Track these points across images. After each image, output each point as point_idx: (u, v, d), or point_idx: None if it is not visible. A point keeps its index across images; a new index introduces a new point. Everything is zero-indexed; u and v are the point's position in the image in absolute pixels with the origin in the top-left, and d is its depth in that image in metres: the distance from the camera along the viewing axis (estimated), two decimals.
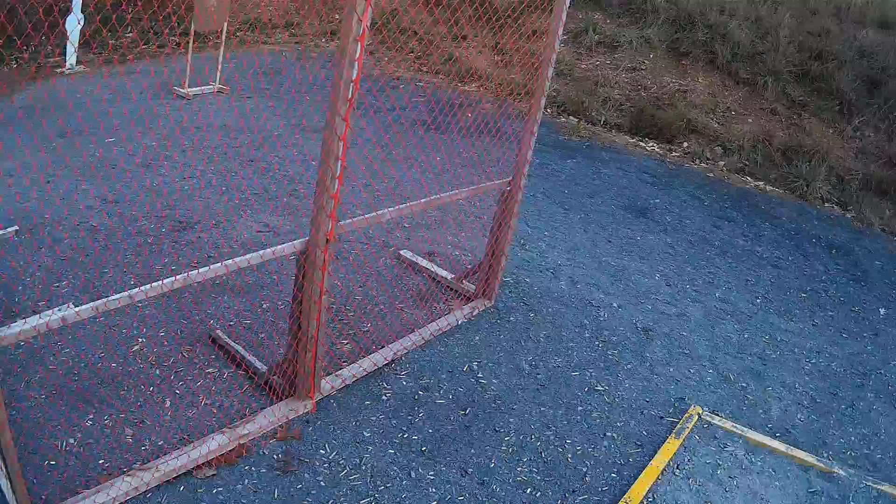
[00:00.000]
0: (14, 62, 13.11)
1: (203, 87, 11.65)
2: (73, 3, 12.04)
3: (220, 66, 11.88)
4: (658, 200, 10.16)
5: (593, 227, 9.09)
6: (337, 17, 17.23)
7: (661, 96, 13.31)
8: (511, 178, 6.44)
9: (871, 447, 6.13)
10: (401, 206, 5.44)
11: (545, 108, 13.36)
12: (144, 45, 13.73)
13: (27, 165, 8.14)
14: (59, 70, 12.75)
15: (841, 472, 5.70)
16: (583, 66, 14.30)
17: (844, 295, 8.55)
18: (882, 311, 8.37)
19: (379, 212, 5.22)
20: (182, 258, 6.84)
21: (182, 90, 11.41)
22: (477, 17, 15.49)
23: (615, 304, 7.49)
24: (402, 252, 7.53)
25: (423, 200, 5.65)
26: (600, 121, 13.04)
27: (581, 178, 10.51)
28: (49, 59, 13.15)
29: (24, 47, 12.91)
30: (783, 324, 7.72)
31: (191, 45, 11.56)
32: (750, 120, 12.80)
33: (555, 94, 13.48)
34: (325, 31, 16.82)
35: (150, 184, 8.11)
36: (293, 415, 5.02)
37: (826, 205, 11.13)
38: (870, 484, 5.63)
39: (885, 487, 5.64)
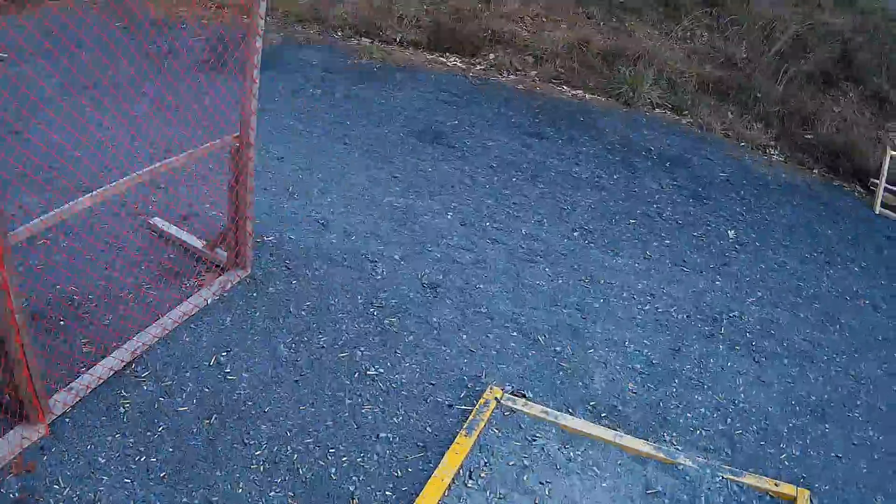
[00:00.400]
0: None
1: None
2: None
3: None
4: (457, 122, 8.49)
5: (376, 163, 7.47)
6: None
7: (462, 9, 11.60)
8: (237, 132, 5.22)
9: (728, 420, 4.69)
10: (100, 190, 4.41)
11: (334, 31, 11.82)
12: None
13: None
14: None
15: (688, 462, 4.23)
16: None
17: (683, 216, 7.05)
18: (731, 233, 6.90)
19: (70, 204, 4.25)
20: None
21: None
22: None
23: (396, 256, 6.02)
24: (152, 220, 6.21)
25: (126, 179, 4.55)
26: (395, 40, 11.27)
27: (368, 106, 8.79)
28: None
29: None
30: (608, 260, 6.24)
31: None
32: (564, 26, 11.20)
33: (345, 16, 11.66)
34: None
35: None
36: (27, 443, 4.28)
37: (657, 110, 9.59)
38: (727, 477, 4.10)
39: (748, 479, 4.13)
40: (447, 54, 10.72)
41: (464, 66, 10.37)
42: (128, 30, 10.08)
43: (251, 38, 4.93)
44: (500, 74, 10.17)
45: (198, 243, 5.92)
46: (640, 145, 8.36)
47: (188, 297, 5.38)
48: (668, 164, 7.95)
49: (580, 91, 9.92)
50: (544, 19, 11.26)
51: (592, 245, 6.34)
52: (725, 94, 9.94)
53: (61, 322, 5.05)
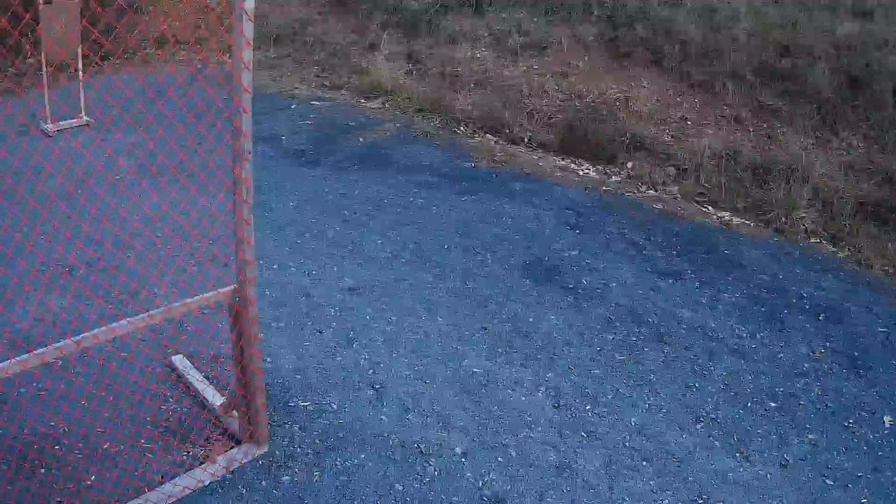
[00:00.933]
0: None
1: (69, 122, 10.13)
2: None
3: (82, 97, 10.24)
4: (577, 252, 7.37)
5: (466, 305, 6.41)
6: None
7: (599, 106, 10.60)
8: (234, 284, 4.29)
9: None
10: (91, 333, 3.81)
11: (457, 125, 10.97)
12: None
13: None
14: None
15: None
16: (506, 74, 11.64)
17: (834, 397, 5.72)
18: (887, 419, 5.60)
19: (53, 347, 3.67)
20: None
21: (46, 126, 9.98)
22: (389, 21, 13.29)
23: (458, 451, 4.89)
24: (173, 358, 5.36)
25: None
26: (524, 139, 10.32)
27: (475, 225, 7.78)
28: None
29: None
30: (733, 468, 5.01)
31: (45, 74, 9.95)
32: (709, 131, 10.07)
33: (470, 107, 10.83)
34: (227, 46, 14.29)
35: None
36: None
37: (812, 240, 8.30)
38: None
39: None
40: (579, 161, 9.70)
41: (597, 177, 9.31)
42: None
43: (236, 141, 3.97)
44: (638, 189, 9.06)
45: (217, 398, 5.01)
46: (792, 290, 7.06)
47: (186, 471, 4.44)
48: (821, 318, 6.66)
49: (726, 213, 8.70)
50: (688, 122, 10.17)
51: (717, 443, 5.10)
52: (885, 220, 8.61)
53: (40, 469, 4.36)
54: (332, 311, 6.17)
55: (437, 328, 6.03)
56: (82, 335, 3.77)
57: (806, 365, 5.96)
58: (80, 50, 10.20)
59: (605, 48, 11.69)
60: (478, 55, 12.11)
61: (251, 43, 3.66)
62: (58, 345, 3.69)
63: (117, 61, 13.70)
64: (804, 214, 8.43)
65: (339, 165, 9.03)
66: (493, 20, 12.83)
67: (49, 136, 9.79)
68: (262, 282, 6.29)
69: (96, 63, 11.89)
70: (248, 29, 3.63)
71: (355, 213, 7.79)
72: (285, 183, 8.49)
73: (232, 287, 4.22)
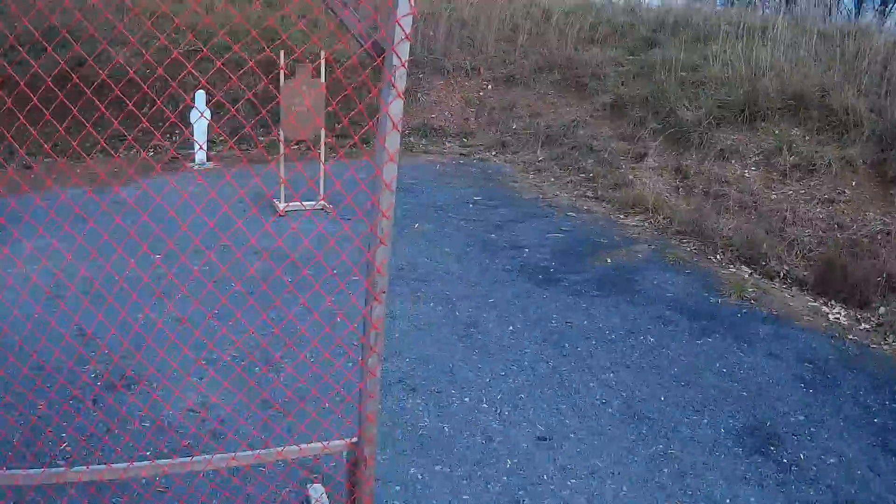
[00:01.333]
0: (152, 150, 13.81)
1: (302, 203, 10.99)
2: (196, 97, 12.64)
3: (322, 181, 11.13)
4: (803, 417, 7.06)
5: (664, 476, 6.13)
6: (514, 126, 15.47)
7: (860, 239, 10.28)
8: (351, 439, 4.19)
9: None
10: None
11: (714, 253, 10.92)
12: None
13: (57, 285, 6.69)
14: (190, 164, 13.16)
15: None
16: (772, 197, 11.50)
17: None
18: None
19: None
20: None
21: (280, 205, 10.88)
22: (661, 130, 13.41)
23: None
24: (311, 490, 5.07)
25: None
26: (779, 273, 10.16)
27: (702, 374, 7.63)
28: (185, 151, 13.61)
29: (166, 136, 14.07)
30: None
31: (282, 152, 11.08)
32: None
33: (731, 233, 10.77)
34: (497, 142, 15.07)
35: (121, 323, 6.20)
36: None
37: None
38: None
39: None
40: (832, 303, 9.40)
41: (846, 323, 8.94)
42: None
43: (369, 274, 3.72)
44: (884, 341, 8.70)
45: None
46: None
47: None
48: None
49: None
50: None
51: None
52: None
53: None
54: (510, 462, 5.99)
55: (618, 500, 5.77)
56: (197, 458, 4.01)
57: None
58: (322, 133, 10.83)
59: (875, 174, 11.31)
60: (746, 174, 12.02)
61: (394, 158, 3.39)
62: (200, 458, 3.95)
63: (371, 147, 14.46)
64: None
65: (576, 288, 9.13)
66: (765, 135, 12.68)
67: (280, 216, 10.62)
68: (445, 414, 6.51)
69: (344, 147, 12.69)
70: (393, 140, 3.37)
71: (577, 348, 7.82)
72: (513, 302, 8.70)
73: (346, 442, 4.15)
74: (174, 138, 14.24)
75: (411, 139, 16.05)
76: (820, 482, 6.21)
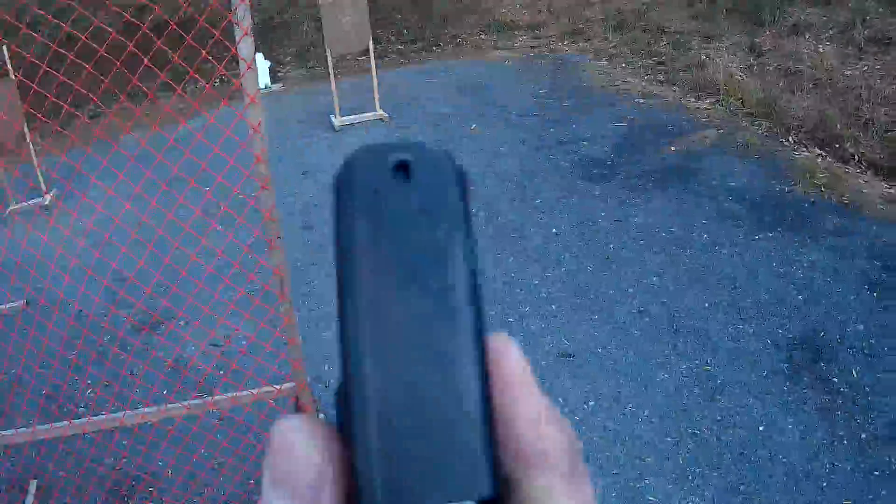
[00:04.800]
0: (218, 80, 13.44)
1: (358, 116, 10.85)
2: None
3: (376, 91, 10.94)
4: (861, 327, 6.22)
5: (693, 398, 5.63)
6: (586, 13, 14.84)
7: None
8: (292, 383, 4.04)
9: None
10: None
11: (786, 135, 10.18)
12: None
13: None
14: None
15: None
16: (847, 73, 10.65)
17: None
18: None
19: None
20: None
21: (335, 120, 10.70)
22: (735, 6, 12.65)
23: None
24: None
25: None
26: (854, 156, 9.41)
27: (756, 277, 6.94)
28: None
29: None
30: None
31: (331, 69, 10.63)
32: None
33: (802, 114, 10.03)
34: (569, 31, 14.46)
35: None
36: None
37: None
38: None
39: None
40: None
41: None
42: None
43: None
44: None
45: None
46: None
47: None
48: None
49: None
50: None
51: None
52: None
53: None
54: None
55: (634, 431, 5.32)
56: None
57: None
58: (370, 43, 10.51)
59: None
60: (820, 49, 11.19)
61: (256, 100, 3.26)
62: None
63: (447, 47, 14.06)
64: None
65: (631, 182, 8.57)
66: (840, 7, 11.79)
67: (336, 131, 10.39)
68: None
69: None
70: (251, 81, 3.24)
71: (622, 250, 7.30)
72: (561, 201, 8.20)
73: (291, 385, 4.06)
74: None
75: (482, 37, 15.51)
76: (873, 411, 5.39)
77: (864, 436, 5.19)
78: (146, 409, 4.11)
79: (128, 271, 6.35)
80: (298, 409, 4.10)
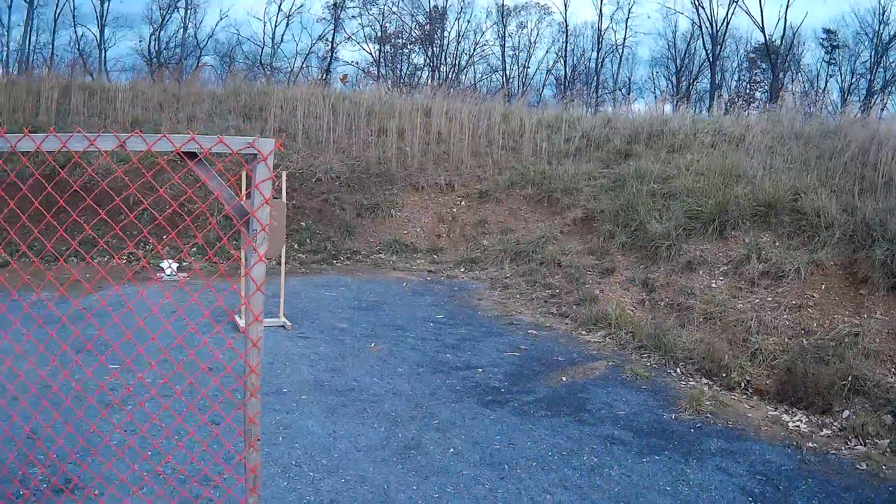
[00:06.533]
0: (125, 258, 13.91)
1: (264, 320, 10.14)
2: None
3: (282, 297, 11.24)
4: None
5: None
6: (485, 242, 15.49)
7: (826, 343, 10.07)
8: None
9: None
10: None
11: (674, 366, 10.67)
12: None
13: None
14: (160, 275, 13.66)
15: None
16: (738, 306, 11.33)
17: None
18: None
19: None
20: None
21: (240, 321, 10.77)
22: (631, 243, 13.36)
23: None
24: None
25: None
26: (740, 384, 9.93)
27: (640, 494, 7.25)
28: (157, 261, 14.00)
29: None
30: None
31: (243, 270, 10.49)
32: None
33: (691, 346, 10.58)
34: (467, 259, 15.08)
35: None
36: None
37: None
38: None
39: None
40: (793, 410, 9.13)
41: (807, 430, 8.63)
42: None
43: None
44: (846, 444, 8.35)
45: None
46: None
47: None
48: None
49: None
50: None
51: None
52: None
53: None
54: None
55: None
56: None
57: None
58: (283, 250, 11.04)
59: (845, 275, 11.16)
60: (713, 284, 11.89)
61: (260, 318, 3.50)
62: None
63: (347, 261, 14.48)
64: None
65: (524, 409, 8.88)
66: (735, 244, 12.60)
67: (240, 332, 10.33)
68: None
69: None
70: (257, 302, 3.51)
71: (517, 469, 7.52)
72: (458, 424, 8.43)
73: None
74: (148, 247, 14.33)
75: (381, 255, 16.09)
76: None
77: None
78: None
79: (39, 430, 6.44)
80: None
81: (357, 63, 53.28)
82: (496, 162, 18.83)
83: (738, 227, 13.07)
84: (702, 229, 13.36)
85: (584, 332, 11.69)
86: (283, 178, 11.22)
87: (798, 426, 8.79)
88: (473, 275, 14.93)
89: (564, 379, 9.92)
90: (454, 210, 17.63)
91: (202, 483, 6.67)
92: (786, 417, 9.02)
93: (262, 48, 49.66)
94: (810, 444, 8.36)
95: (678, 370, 10.21)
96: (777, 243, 12.36)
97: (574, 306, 12.69)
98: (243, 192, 10.39)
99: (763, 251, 12.11)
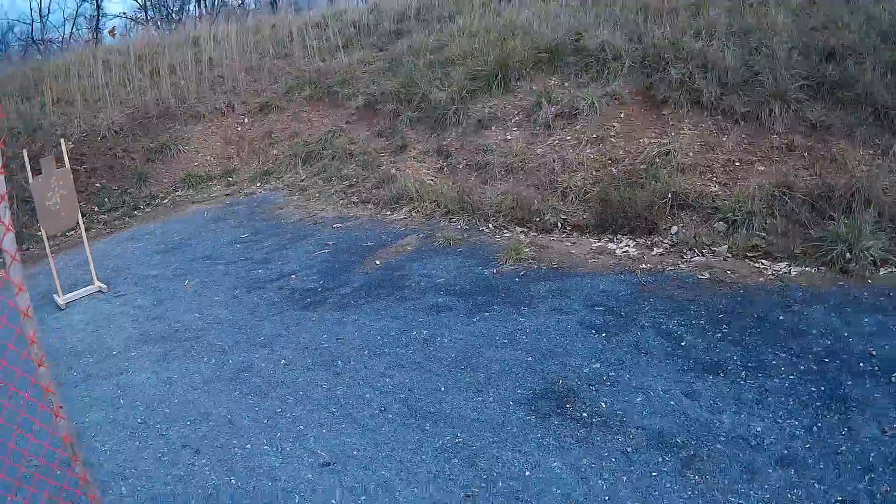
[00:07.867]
0: None
1: (79, 292, 10.25)
2: None
3: (91, 264, 10.47)
4: (598, 364, 6.43)
5: (454, 468, 5.48)
6: (275, 152, 14.70)
7: (637, 168, 9.76)
8: None
9: None
10: None
11: (485, 223, 10.24)
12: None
13: None
14: None
15: None
16: (538, 152, 10.92)
17: None
18: None
19: None
20: None
21: (59, 299, 9.98)
22: (417, 118, 12.81)
23: None
24: None
25: None
26: (556, 225, 9.53)
27: (481, 353, 6.92)
28: None
29: None
30: None
31: (48, 249, 10.06)
32: (760, 168, 9.12)
33: (498, 200, 10.11)
34: (261, 172, 14.29)
35: None
36: None
37: (882, 271, 7.28)
38: None
39: None
40: (618, 237, 8.83)
41: (637, 254, 8.43)
42: None
43: None
44: (682, 258, 8.14)
45: None
46: (857, 349, 6.02)
47: None
48: (894, 379, 5.67)
49: (783, 265, 7.71)
50: (735, 163, 9.23)
51: None
52: None
53: None
54: (298, 498, 5.38)
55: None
56: None
57: (877, 460, 4.94)
58: (79, 216, 10.18)
59: (643, 100, 10.87)
60: (508, 136, 11.43)
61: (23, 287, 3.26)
62: None
63: (147, 209, 13.75)
64: (870, 243, 7.40)
65: (345, 302, 8.37)
66: (523, 94, 12.16)
67: (62, 310, 9.75)
68: (230, 467, 5.83)
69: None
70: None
71: (350, 362, 7.09)
72: (283, 334, 7.91)
73: None
74: None
75: (179, 193, 15.22)
76: (629, 426, 5.62)
77: (628, 449, 5.36)
78: None
79: None
80: None
81: (125, 13, 50.70)
82: (270, 72, 18.07)
83: (522, 77, 12.69)
84: (486, 87, 12.92)
85: (388, 213, 11.14)
86: (63, 144, 10.27)
87: (627, 251, 8.55)
88: (270, 186, 14.22)
89: (378, 262, 9.38)
90: (239, 129, 16.82)
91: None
92: (612, 246, 8.73)
93: (32, 24, 46.68)
94: (644, 266, 8.15)
95: (490, 226, 9.82)
96: (566, 84, 12.05)
97: (374, 190, 12.11)
98: None
99: (553, 94, 11.77)
